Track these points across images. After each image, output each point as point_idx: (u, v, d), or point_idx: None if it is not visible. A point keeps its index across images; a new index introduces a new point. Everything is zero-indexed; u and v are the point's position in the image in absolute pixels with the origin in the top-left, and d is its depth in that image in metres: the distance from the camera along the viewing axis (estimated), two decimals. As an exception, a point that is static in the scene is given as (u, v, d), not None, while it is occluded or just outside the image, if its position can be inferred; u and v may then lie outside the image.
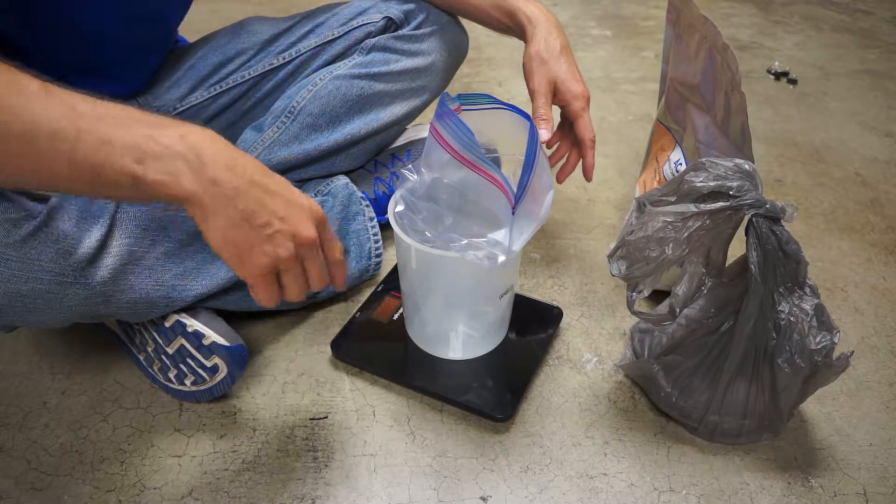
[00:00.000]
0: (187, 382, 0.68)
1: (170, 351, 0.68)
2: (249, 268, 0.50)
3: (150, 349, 0.70)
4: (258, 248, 0.49)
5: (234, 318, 0.76)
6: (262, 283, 0.51)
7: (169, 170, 0.47)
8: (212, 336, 0.67)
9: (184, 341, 0.68)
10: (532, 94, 0.79)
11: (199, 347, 0.67)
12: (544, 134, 0.75)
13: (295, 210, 0.51)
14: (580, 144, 0.80)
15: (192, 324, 0.67)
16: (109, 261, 0.62)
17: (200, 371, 0.67)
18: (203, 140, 0.48)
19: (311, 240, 0.51)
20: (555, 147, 0.84)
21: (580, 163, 0.82)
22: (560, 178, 0.84)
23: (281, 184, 0.51)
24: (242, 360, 0.68)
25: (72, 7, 0.68)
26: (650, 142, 0.90)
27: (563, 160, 0.83)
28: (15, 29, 0.68)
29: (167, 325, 0.68)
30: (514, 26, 0.83)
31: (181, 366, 0.68)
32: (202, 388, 0.68)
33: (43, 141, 0.45)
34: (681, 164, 0.80)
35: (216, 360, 0.66)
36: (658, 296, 0.78)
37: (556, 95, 0.79)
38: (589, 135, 0.78)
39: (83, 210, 0.62)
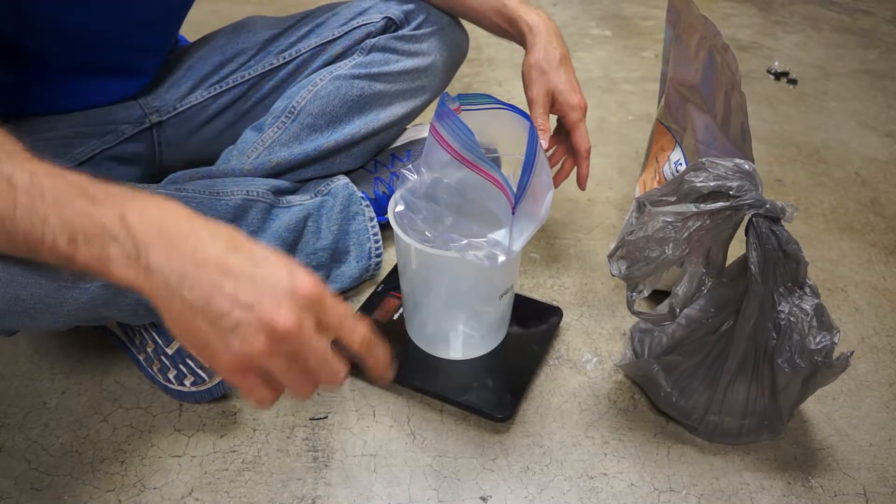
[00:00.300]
0: (187, 383, 0.68)
1: (169, 352, 0.68)
2: (215, 365, 0.42)
3: (149, 350, 0.70)
4: (219, 343, 0.40)
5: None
6: (242, 382, 0.42)
7: (99, 255, 0.41)
8: None
9: None
10: (530, 103, 0.80)
11: None
12: (541, 144, 0.76)
13: (265, 292, 0.40)
14: (576, 154, 0.81)
15: None
16: None
17: (200, 372, 0.67)
18: (146, 219, 0.42)
19: (287, 329, 0.40)
20: (551, 152, 0.84)
21: (574, 170, 0.83)
22: (554, 184, 0.85)
23: (249, 258, 0.41)
24: None
25: (71, 11, 0.68)
26: (650, 142, 0.90)
27: (559, 166, 0.84)
28: (15, 31, 0.68)
29: None
30: (514, 33, 0.84)
31: (181, 366, 0.68)
32: (201, 388, 0.68)
33: None
34: (681, 164, 0.80)
35: None
36: (658, 296, 0.78)
37: (554, 105, 0.80)
38: (585, 145, 0.80)
39: None
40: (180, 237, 0.41)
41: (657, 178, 0.84)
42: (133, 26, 0.75)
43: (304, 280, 0.41)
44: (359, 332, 0.44)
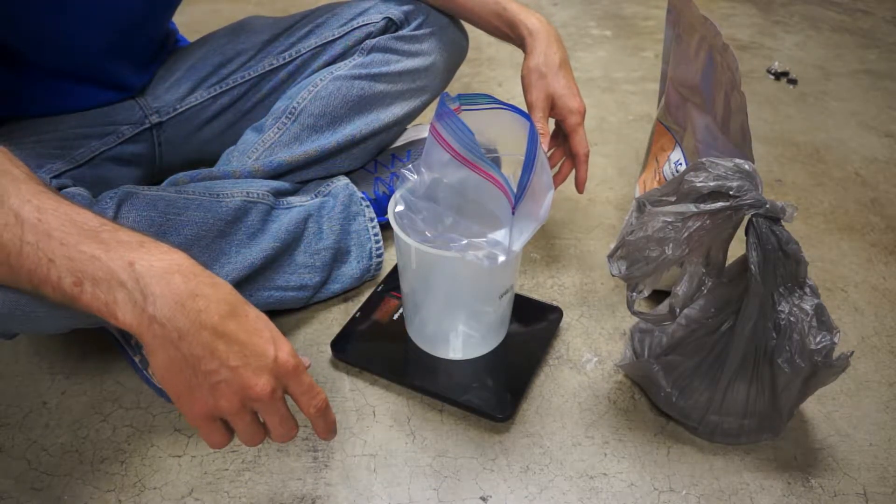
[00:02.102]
0: None
1: None
2: (187, 410, 0.46)
3: (144, 352, 0.70)
4: (198, 393, 0.45)
5: (235, 319, 0.76)
6: (204, 428, 0.47)
7: (106, 299, 0.44)
8: None
9: None
10: (529, 107, 0.80)
11: None
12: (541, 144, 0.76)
13: (251, 361, 0.45)
14: (574, 157, 0.81)
15: None
16: None
17: None
18: (155, 271, 0.44)
19: (261, 395, 0.45)
20: (549, 153, 0.84)
21: (573, 173, 0.84)
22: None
23: (243, 327, 0.46)
24: None
25: (54, 19, 0.68)
26: (650, 142, 0.90)
27: (556, 168, 0.85)
28: (7, 38, 0.68)
29: None
30: (514, 37, 0.84)
31: None
32: None
33: None
34: (681, 163, 0.80)
35: None
36: (658, 296, 0.78)
37: (554, 109, 0.80)
38: (583, 150, 0.80)
39: None
40: (187, 296, 0.44)
41: (657, 178, 0.84)
42: (116, 33, 0.74)
43: (286, 354, 0.47)
44: (316, 401, 0.50)
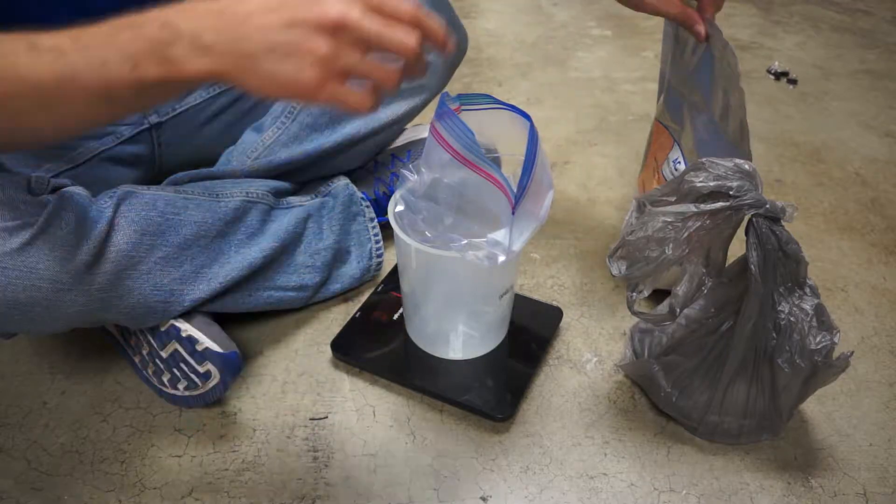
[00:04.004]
0: (180, 387, 0.68)
1: (164, 355, 0.68)
2: (308, 92, 0.44)
3: (144, 352, 0.70)
4: (294, 69, 0.43)
5: (234, 319, 0.76)
6: (335, 93, 0.44)
7: (166, 64, 0.44)
8: (205, 342, 0.66)
9: (177, 346, 0.67)
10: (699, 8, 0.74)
11: (193, 353, 0.66)
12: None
13: (302, 6, 0.43)
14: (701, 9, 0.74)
15: (187, 328, 0.67)
16: (108, 266, 0.62)
17: (193, 376, 0.67)
18: (184, 15, 0.44)
19: (339, 18, 0.43)
20: None
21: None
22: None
23: None
24: (236, 367, 0.67)
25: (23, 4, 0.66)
26: (649, 141, 0.90)
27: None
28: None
29: (162, 328, 0.68)
30: None
31: (174, 370, 0.68)
32: (195, 393, 0.67)
33: (50, 92, 0.45)
34: (679, 162, 0.80)
35: (209, 366, 0.66)
36: (658, 296, 0.78)
37: None
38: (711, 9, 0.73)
39: (80, 216, 0.62)
40: (217, 12, 0.44)
41: (656, 177, 0.84)
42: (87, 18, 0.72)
43: None
44: (404, 9, 0.45)
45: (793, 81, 1.42)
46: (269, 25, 0.43)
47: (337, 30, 0.43)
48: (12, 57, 0.45)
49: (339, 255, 0.81)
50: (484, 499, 0.62)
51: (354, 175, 0.89)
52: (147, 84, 0.45)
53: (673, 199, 0.60)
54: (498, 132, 0.69)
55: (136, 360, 0.72)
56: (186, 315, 0.69)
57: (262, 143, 0.83)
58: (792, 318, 0.59)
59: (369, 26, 0.43)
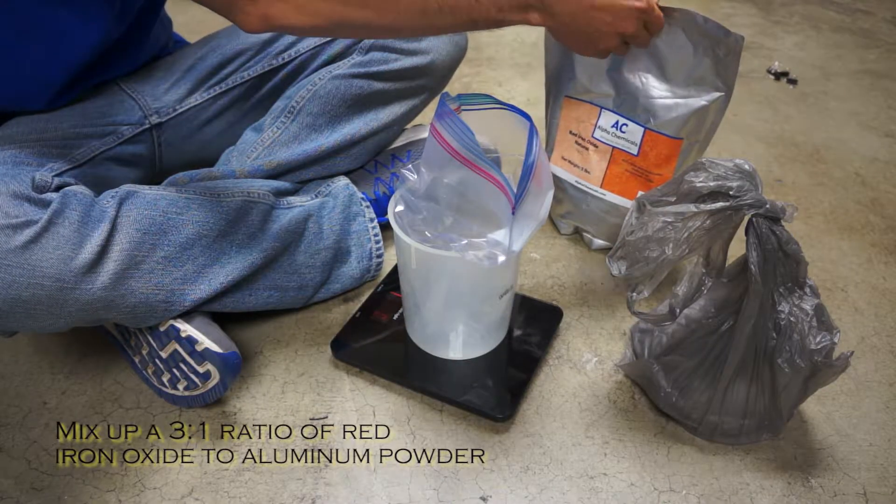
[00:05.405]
0: (180, 387, 0.68)
1: (163, 355, 0.68)
2: (594, 51, 0.75)
3: (144, 352, 0.70)
4: (598, 41, 0.73)
5: (234, 319, 0.76)
6: (612, 47, 0.74)
7: (523, 15, 0.68)
8: (205, 342, 0.66)
9: (177, 346, 0.67)
10: None
11: (192, 353, 0.66)
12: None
13: (619, 13, 0.70)
14: None
15: (186, 329, 0.67)
16: (110, 266, 0.62)
17: (192, 377, 0.67)
18: None
19: (645, 7, 0.71)
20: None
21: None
22: None
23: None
24: (235, 367, 0.67)
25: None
26: (553, 121, 0.89)
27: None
28: None
29: (161, 329, 0.68)
30: None
31: (174, 370, 0.68)
32: (194, 393, 0.67)
33: (462, 18, 0.66)
34: (625, 125, 0.81)
35: (208, 366, 0.66)
36: (658, 295, 0.78)
37: None
38: None
39: (84, 215, 0.62)
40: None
41: (586, 145, 0.85)
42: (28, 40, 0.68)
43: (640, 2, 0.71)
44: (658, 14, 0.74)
45: (793, 81, 1.42)
46: (591, 18, 0.70)
47: (641, 13, 0.71)
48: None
49: (339, 255, 0.81)
50: (484, 499, 0.62)
51: (354, 175, 0.89)
52: (499, 22, 0.67)
53: (673, 199, 0.60)
54: (498, 132, 0.70)
55: (136, 360, 0.72)
56: (186, 315, 0.69)
57: (261, 142, 0.83)
58: (792, 318, 0.59)
59: (653, 17, 0.73)
